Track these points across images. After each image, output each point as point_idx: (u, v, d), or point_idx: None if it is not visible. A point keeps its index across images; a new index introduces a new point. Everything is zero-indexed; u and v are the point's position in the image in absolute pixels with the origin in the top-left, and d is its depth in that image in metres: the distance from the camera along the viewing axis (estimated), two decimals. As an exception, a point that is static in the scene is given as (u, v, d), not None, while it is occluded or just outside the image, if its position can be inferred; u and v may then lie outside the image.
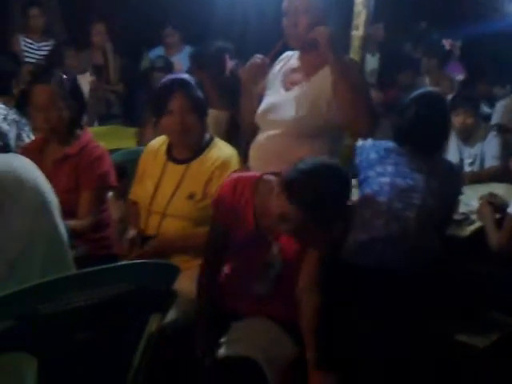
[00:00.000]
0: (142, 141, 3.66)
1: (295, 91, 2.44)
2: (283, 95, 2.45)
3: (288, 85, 2.48)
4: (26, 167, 1.64)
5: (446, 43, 6.23)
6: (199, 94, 2.43)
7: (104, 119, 5.20)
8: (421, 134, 2.60)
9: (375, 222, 2.55)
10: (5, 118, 3.25)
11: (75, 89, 2.63)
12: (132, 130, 4.25)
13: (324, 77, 2.38)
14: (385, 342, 2.43)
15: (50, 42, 5.44)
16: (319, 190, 1.83)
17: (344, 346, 2.26)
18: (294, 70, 2.50)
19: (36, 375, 1.44)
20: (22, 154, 2.67)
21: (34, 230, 1.57)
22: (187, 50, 5.61)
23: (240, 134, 2.98)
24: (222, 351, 2.00)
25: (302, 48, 2.45)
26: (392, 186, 2.55)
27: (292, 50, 2.55)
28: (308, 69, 2.45)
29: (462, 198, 2.91)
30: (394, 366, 2.43)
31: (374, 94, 3.90)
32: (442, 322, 2.57)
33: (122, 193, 2.86)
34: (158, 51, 5.70)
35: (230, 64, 3.51)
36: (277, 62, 2.57)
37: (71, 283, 1.42)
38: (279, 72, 2.53)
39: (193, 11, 5.90)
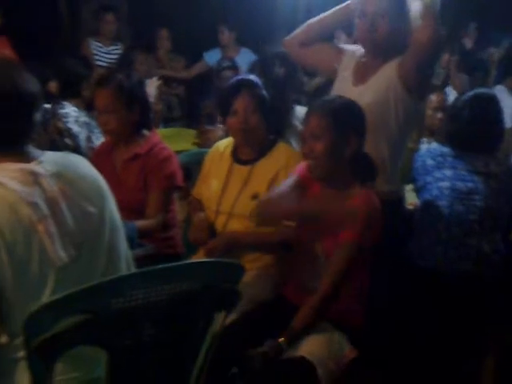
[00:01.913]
0: (205, 143, 3.73)
1: (363, 87, 2.43)
2: (350, 90, 2.43)
3: (356, 81, 2.48)
4: (85, 164, 1.72)
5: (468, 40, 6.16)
6: (264, 94, 2.46)
7: (165, 122, 5.30)
8: (476, 135, 2.59)
9: (437, 226, 2.54)
10: (76, 121, 3.37)
11: (138, 91, 2.69)
12: (194, 133, 4.33)
13: (386, 71, 2.38)
14: (445, 342, 2.42)
15: (119, 46, 5.60)
16: (350, 110, 2.13)
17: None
18: (363, 73, 2.49)
19: (106, 369, 1.50)
20: (92, 156, 2.79)
21: (100, 215, 1.65)
22: (245, 51, 5.68)
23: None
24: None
25: (376, 52, 2.42)
26: (452, 190, 2.55)
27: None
28: (375, 69, 2.44)
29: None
30: (451, 367, 2.42)
31: (439, 96, 3.85)
32: (506, 325, 2.53)
33: (186, 194, 2.93)
34: (215, 53, 5.79)
35: (280, 70, 3.53)
36: (348, 57, 2.56)
37: (143, 279, 1.46)
38: (349, 74, 2.52)
39: (255, 14, 5.96)
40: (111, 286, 1.41)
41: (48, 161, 1.61)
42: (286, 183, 2.24)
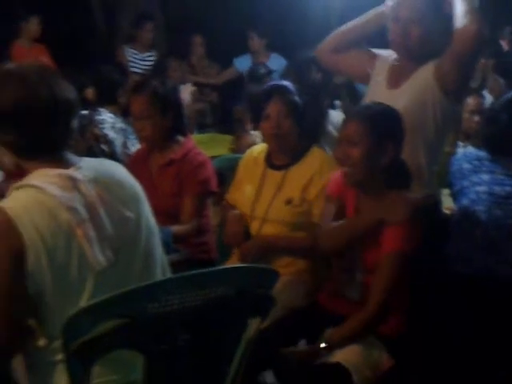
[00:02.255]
0: (239, 148, 3.75)
1: (397, 91, 2.41)
2: (384, 94, 2.41)
3: (390, 85, 2.46)
4: (121, 170, 1.75)
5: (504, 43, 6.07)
6: (297, 99, 2.46)
7: (199, 128, 5.34)
8: None
9: (474, 231, 2.52)
10: (113, 127, 3.42)
11: (172, 97, 2.72)
12: (228, 138, 4.36)
13: (421, 75, 2.36)
14: (483, 348, 2.39)
15: (153, 53, 5.67)
16: (388, 117, 2.11)
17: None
18: (396, 77, 2.47)
19: (143, 373, 1.51)
20: (129, 162, 2.83)
21: (136, 220, 1.67)
22: (275, 56, 5.70)
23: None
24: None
25: (409, 57, 2.40)
26: (489, 194, 2.52)
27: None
28: (408, 73, 2.42)
29: None
30: (489, 374, 2.39)
31: (476, 100, 3.81)
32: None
33: (220, 199, 2.95)
34: (245, 59, 5.82)
35: (316, 75, 3.53)
36: (381, 62, 2.54)
37: (178, 285, 1.47)
38: (382, 78, 2.50)
39: (285, 20, 5.98)
40: (147, 291, 1.43)
41: (86, 167, 1.64)
42: (328, 212, 2.22)
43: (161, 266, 1.76)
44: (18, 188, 1.57)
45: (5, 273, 1.49)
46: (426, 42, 2.33)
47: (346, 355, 1.98)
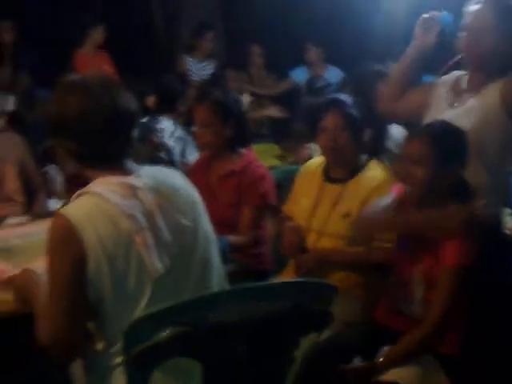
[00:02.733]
0: (297, 161, 3.76)
1: (462, 108, 2.35)
2: (448, 111, 2.36)
3: (454, 101, 2.40)
4: (179, 178, 1.76)
5: None
6: (354, 113, 2.45)
7: (253, 138, 5.34)
8: None
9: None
10: (172, 135, 3.47)
11: (233, 107, 2.74)
12: (277, 147, 4.37)
13: (490, 93, 2.30)
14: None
15: (211, 62, 5.72)
16: (455, 138, 2.07)
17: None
18: (463, 91, 2.41)
19: (201, 382, 1.52)
20: (190, 171, 2.87)
21: (194, 228, 1.69)
22: (332, 69, 5.69)
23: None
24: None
25: (479, 68, 2.35)
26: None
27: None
28: (477, 87, 2.36)
29: None
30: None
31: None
32: None
33: (277, 211, 2.94)
34: (301, 71, 5.83)
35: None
36: (442, 82, 2.49)
37: (239, 296, 1.49)
38: (446, 93, 2.45)
39: (343, 31, 5.95)
40: (209, 301, 1.44)
41: (145, 174, 1.66)
42: (383, 202, 2.20)
43: (218, 275, 1.77)
44: (80, 195, 1.61)
45: (67, 278, 1.53)
46: (495, 52, 2.28)
47: (403, 374, 1.96)
